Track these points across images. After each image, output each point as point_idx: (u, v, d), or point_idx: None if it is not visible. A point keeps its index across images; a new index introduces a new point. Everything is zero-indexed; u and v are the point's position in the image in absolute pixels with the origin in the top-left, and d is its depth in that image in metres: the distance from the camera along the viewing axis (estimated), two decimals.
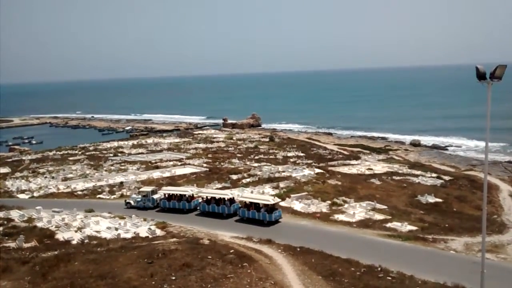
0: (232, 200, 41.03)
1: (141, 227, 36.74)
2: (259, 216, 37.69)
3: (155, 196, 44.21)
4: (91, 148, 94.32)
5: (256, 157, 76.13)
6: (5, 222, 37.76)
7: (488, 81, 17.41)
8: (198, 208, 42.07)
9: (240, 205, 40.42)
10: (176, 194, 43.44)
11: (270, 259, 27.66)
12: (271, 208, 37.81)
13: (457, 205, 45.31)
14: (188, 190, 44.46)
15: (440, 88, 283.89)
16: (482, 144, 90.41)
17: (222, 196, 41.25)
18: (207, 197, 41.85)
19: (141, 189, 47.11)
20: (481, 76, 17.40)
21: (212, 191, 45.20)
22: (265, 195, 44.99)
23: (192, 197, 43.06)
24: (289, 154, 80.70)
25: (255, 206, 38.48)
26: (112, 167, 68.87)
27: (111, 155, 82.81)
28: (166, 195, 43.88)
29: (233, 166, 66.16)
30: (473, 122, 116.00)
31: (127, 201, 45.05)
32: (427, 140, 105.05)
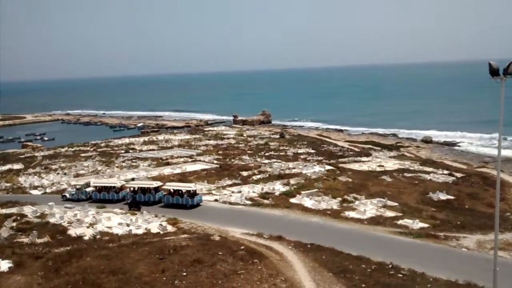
0: (156, 189, 44.61)
1: (152, 223, 36.94)
2: (182, 201, 41.85)
3: (88, 189, 47.00)
4: (102, 145, 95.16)
5: (267, 154, 76.17)
6: (19, 218, 38.15)
7: (501, 77, 17.15)
8: (126, 198, 44.95)
9: (164, 193, 43.88)
10: (106, 186, 46.51)
11: (281, 255, 27.64)
12: (192, 194, 41.82)
13: (469, 202, 44.86)
14: (116, 182, 47.69)
15: (450, 85, 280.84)
16: (494, 141, 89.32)
17: (147, 186, 44.89)
18: (134, 188, 45.13)
19: (74, 183, 50.49)
20: (494, 72, 17.15)
21: (139, 182, 48.66)
22: (186, 183, 48.87)
23: (120, 189, 46.09)
24: (300, 151, 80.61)
25: (178, 192, 42.34)
26: (124, 164, 69.43)
27: (123, 151, 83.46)
28: (97, 188, 46.64)
29: (243, 163, 66.25)
30: (486, 119, 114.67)
31: (63, 194, 47.82)
32: (439, 137, 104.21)
